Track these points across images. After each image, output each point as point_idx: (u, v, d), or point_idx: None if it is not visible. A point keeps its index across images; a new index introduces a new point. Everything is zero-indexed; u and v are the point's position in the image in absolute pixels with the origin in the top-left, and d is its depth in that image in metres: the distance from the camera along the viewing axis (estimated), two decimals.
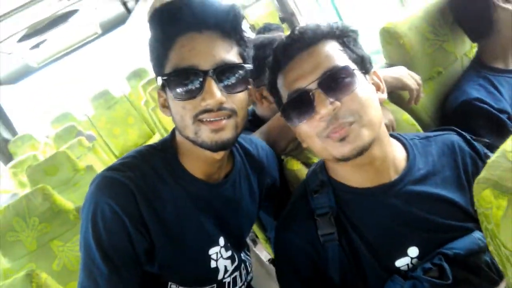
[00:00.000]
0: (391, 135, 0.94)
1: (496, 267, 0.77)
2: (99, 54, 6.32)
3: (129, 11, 4.92)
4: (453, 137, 0.96)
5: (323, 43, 0.85)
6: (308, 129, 0.84)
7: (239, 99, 0.87)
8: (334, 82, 0.81)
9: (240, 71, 0.86)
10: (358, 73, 0.84)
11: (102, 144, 4.94)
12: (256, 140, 1.16)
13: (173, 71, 0.84)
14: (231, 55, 0.86)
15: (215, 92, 0.81)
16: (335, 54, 0.84)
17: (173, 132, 0.97)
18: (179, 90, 0.83)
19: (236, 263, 1.04)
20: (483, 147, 0.95)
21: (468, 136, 0.97)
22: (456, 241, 0.80)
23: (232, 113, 0.85)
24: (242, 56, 0.90)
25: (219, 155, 0.91)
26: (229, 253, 1.02)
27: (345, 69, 0.82)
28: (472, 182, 0.88)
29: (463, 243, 0.79)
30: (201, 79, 0.82)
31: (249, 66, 0.89)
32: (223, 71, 0.83)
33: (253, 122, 1.39)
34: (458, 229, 0.83)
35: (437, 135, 0.98)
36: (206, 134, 0.84)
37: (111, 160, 4.10)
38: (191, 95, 0.83)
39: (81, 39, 5.26)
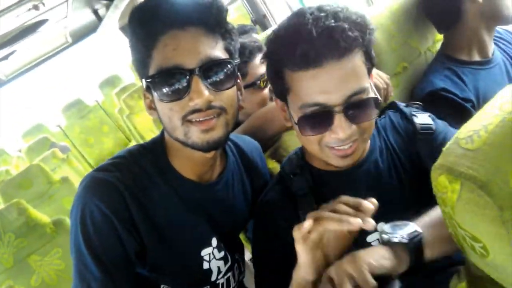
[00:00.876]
0: None
1: None
2: (70, 63, 6.18)
3: (100, 18, 4.84)
4: (390, 115, 1.04)
5: (355, 54, 0.79)
6: (317, 139, 0.85)
7: (227, 96, 0.84)
8: (359, 109, 0.80)
9: (227, 67, 0.83)
10: (376, 98, 0.83)
11: (77, 155, 4.84)
12: (249, 139, 1.15)
13: (157, 72, 0.81)
14: (217, 50, 0.83)
15: (203, 91, 0.79)
16: (361, 70, 0.81)
17: (163, 131, 0.95)
18: (165, 91, 0.80)
19: (229, 264, 1.03)
20: (412, 109, 1.04)
21: (398, 106, 1.05)
22: None
23: (222, 111, 0.83)
24: (228, 50, 0.87)
25: (210, 154, 0.90)
26: (222, 253, 1.00)
27: (371, 99, 0.81)
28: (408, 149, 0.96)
29: None
30: (187, 79, 0.79)
31: (236, 61, 0.87)
32: (209, 68, 0.81)
33: None
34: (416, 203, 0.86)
35: (380, 118, 1.05)
36: (196, 134, 0.82)
37: (87, 171, 4.02)
38: (177, 96, 0.80)
39: (52, 49, 5.14)
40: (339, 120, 0.79)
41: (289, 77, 0.83)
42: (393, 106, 1.07)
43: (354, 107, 0.79)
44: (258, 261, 0.96)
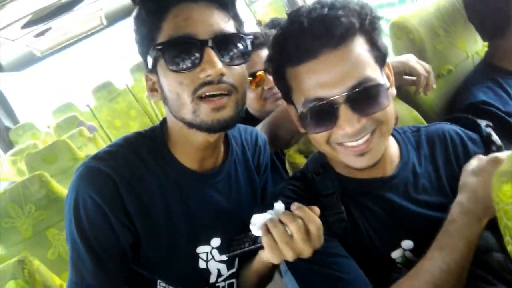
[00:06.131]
0: None
1: (509, 267, 0.73)
2: (104, 45, 6.29)
3: (135, 2, 4.88)
4: (445, 127, 0.94)
5: (353, 41, 0.74)
6: (324, 137, 0.79)
7: (238, 73, 0.82)
8: (364, 98, 0.73)
9: (240, 42, 0.82)
10: (386, 85, 0.77)
11: (103, 136, 4.92)
12: (252, 129, 1.11)
13: (167, 41, 0.78)
14: (229, 25, 0.82)
15: (216, 61, 0.76)
16: (364, 58, 0.74)
17: (163, 120, 0.93)
18: (175, 60, 0.77)
19: (233, 270, 0.98)
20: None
21: (477, 122, 0.95)
22: None
23: (232, 89, 0.80)
24: (238, 31, 0.85)
25: (214, 137, 0.86)
26: (224, 257, 0.95)
27: (378, 87, 0.74)
28: None
29: None
30: (199, 49, 0.76)
31: (249, 37, 0.84)
32: (222, 40, 0.78)
33: (247, 120, 1.38)
34: None
35: (428, 126, 0.97)
36: (206, 112, 0.79)
37: None
38: (188, 66, 0.77)
39: (86, 29, 5.23)
40: (344, 113, 0.73)
41: (288, 75, 0.80)
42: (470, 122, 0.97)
43: (360, 98, 0.72)
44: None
